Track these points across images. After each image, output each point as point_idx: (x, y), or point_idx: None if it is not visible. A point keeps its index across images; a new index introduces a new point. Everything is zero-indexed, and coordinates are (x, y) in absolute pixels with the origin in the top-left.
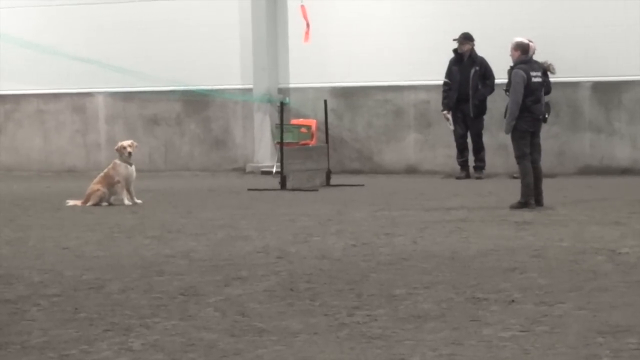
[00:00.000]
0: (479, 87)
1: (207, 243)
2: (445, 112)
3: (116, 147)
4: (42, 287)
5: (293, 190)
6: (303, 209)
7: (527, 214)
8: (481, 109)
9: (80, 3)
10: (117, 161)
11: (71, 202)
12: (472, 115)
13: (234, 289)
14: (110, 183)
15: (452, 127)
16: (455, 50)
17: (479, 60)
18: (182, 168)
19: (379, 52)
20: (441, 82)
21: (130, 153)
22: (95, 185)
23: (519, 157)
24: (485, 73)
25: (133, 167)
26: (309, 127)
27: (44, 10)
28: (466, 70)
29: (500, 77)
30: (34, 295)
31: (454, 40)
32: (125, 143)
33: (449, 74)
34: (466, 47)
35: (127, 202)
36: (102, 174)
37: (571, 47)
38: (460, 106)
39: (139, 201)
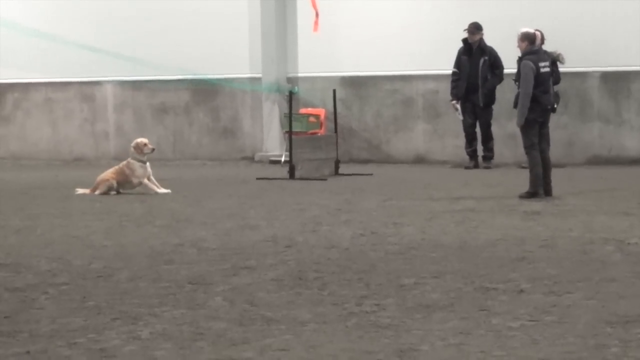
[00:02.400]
0: (488, 77)
1: (215, 232)
2: (454, 101)
3: (133, 145)
4: (50, 275)
5: (301, 179)
6: (311, 199)
7: (536, 204)
8: (490, 98)
9: None
10: (132, 160)
11: (80, 191)
12: (481, 105)
13: (242, 278)
14: (123, 180)
15: (461, 117)
16: (464, 40)
17: (488, 50)
18: (191, 157)
19: (387, 42)
20: (450, 72)
21: (153, 149)
22: (106, 175)
23: (528, 147)
24: (495, 63)
25: (148, 164)
26: (317, 117)
27: None
28: (475, 60)
29: (509, 66)
30: (43, 284)
31: (464, 30)
32: (145, 140)
33: (458, 63)
34: (476, 37)
35: (161, 191)
36: (117, 167)
37: (580, 37)
38: (469, 96)
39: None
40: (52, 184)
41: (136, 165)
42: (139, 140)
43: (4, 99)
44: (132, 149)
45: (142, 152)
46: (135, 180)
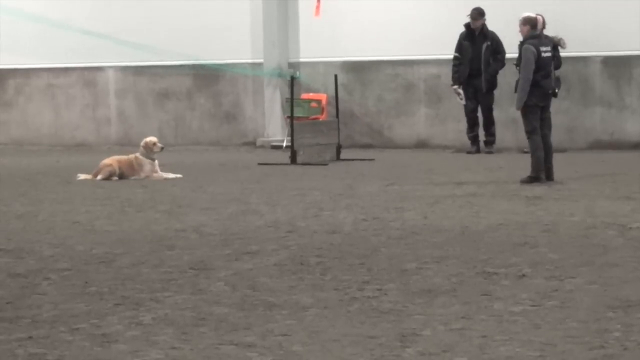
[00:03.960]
0: (490, 62)
1: (217, 217)
2: (455, 86)
3: (142, 144)
4: (52, 261)
5: (303, 164)
6: (313, 184)
7: (537, 189)
8: (492, 83)
9: None
10: (140, 156)
11: (82, 176)
12: (484, 90)
13: (244, 263)
14: (130, 172)
15: (463, 102)
16: (466, 25)
17: (491, 35)
18: (193, 142)
19: (389, 27)
20: (452, 57)
21: (162, 148)
22: (109, 160)
23: (529, 132)
24: (497, 48)
25: (156, 162)
26: (319, 102)
27: None
28: (478, 44)
29: (511, 51)
30: (45, 270)
31: (467, 15)
32: (154, 139)
33: (460, 48)
34: (479, 23)
35: (170, 176)
36: (126, 157)
37: (582, 21)
38: (471, 81)
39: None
40: (53, 170)
41: (145, 161)
42: (148, 139)
43: (5, 85)
44: (141, 148)
45: (152, 151)
46: (142, 175)
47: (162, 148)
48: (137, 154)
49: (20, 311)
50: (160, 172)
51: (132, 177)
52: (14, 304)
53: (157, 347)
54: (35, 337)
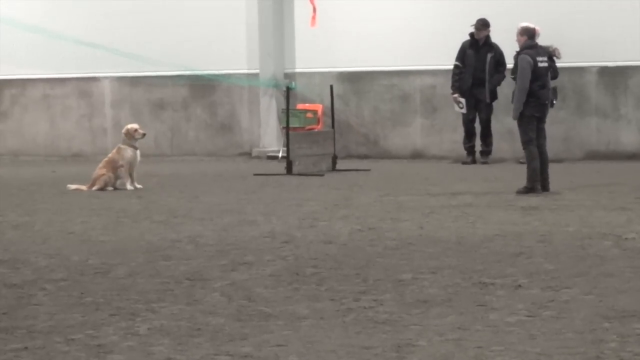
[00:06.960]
0: (494, 73)
1: (213, 228)
2: (456, 95)
3: (124, 131)
4: (48, 271)
5: (299, 175)
6: (309, 194)
7: (533, 199)
8: (495, 94)
9: None
10: (122, 145)
11: (73, 186)
12: (488, 100)
13: (240, 273)
14: (114, 167)
15: (464, 111)
16: (471, 34)
17: (495, 46)
18: (188, 153)
19: (385, 37)
20: (447, 67)
21: (144, 134)
22: (100, 170)
23: (525, 142)
24: (500, 59)
25: (138, 152)
26: (315, 112)
27: None
28: (482, 55)
29: (508, 62)
30: (40, 280)
31: (472, 25)
32: (136, 125)
33: (462, 57)
34: (483, 33)
35: (129, 186)
36: (106, 158)
37: (578, 31)
38: (473, 90)
39: (139, 186)
40: (49, 180)
41: (127, 150)
42: (130, 126)
43: (1, 95)
44: (123, 135)
45: (134, 138)
46: (120, 162)
47: (143, 134)
48: (119, 145)
49: (15, 322)
50: (133, 174)
51: (119, 177)
52: (9, 315)
53: (153, 358)
54: (31, 347)
